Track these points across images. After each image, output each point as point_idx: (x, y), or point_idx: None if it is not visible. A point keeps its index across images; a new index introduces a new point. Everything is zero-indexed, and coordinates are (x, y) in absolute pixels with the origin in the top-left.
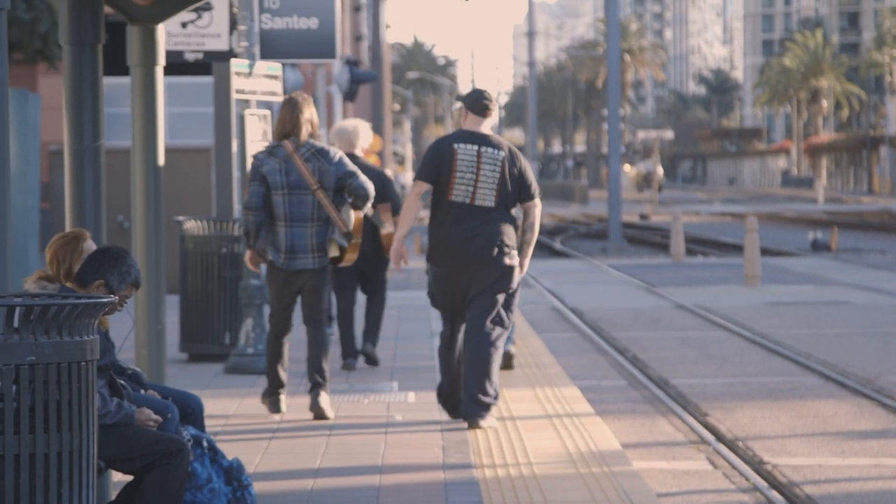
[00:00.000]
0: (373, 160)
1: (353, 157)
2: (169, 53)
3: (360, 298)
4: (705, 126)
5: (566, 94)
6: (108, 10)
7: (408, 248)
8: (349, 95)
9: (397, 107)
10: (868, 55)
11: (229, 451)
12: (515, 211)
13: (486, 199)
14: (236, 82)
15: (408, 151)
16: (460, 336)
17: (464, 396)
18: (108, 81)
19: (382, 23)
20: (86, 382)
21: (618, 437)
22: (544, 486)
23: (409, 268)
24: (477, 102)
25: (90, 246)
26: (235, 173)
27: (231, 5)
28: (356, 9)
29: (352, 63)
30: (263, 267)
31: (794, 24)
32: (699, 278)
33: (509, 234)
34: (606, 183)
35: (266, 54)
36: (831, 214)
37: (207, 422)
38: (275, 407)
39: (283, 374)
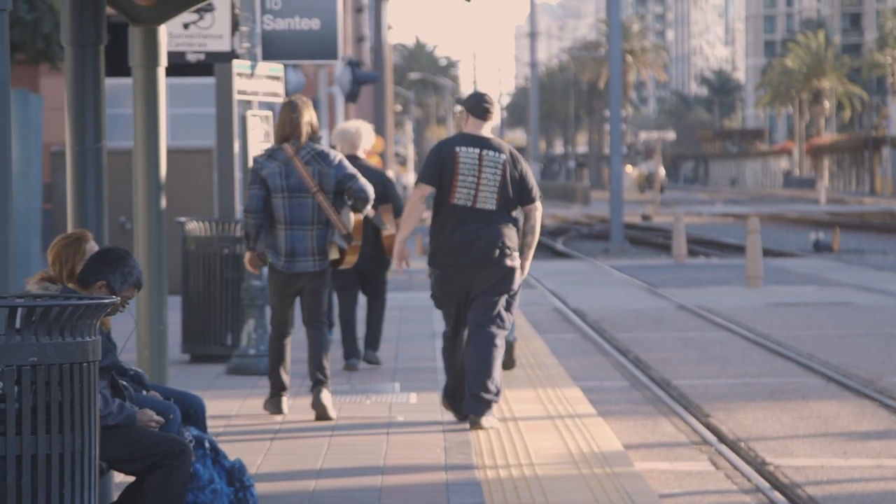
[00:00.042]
0: (374, 161)
1: (354, 158)
2: (171, 54)
3: (361, 299)
4: (707, 127)
5: (568, 94)
6: (109, 10)
7: (409, 249)
8: (351, 96)
9: (399, 108)
10: (870, 56)
11: (231, 451)
12: (516, 213)
13: (488, 202)
14: (238, 83)
15: (410, 152)
16: (464, 337)
17: (465, 394)
18: (110, 82)
19: (384, 24)
20: (88, 383)
21: (620, 438)
22: (546, 486)
23: (410, 269)
24: (477, 105)
25: (92, 247)
26: (237, 174)
27: (233, 6)
28: (358, 10)
29: (354, 64)
30: (264, 268)
31: (796, 25)
32: (701, 279)
33: (511, 237)
34: (608, 184)
35: (268, 55)
36: (833, 215)
37: (209, 423)
38: (276, 408)
39: (285, 377)
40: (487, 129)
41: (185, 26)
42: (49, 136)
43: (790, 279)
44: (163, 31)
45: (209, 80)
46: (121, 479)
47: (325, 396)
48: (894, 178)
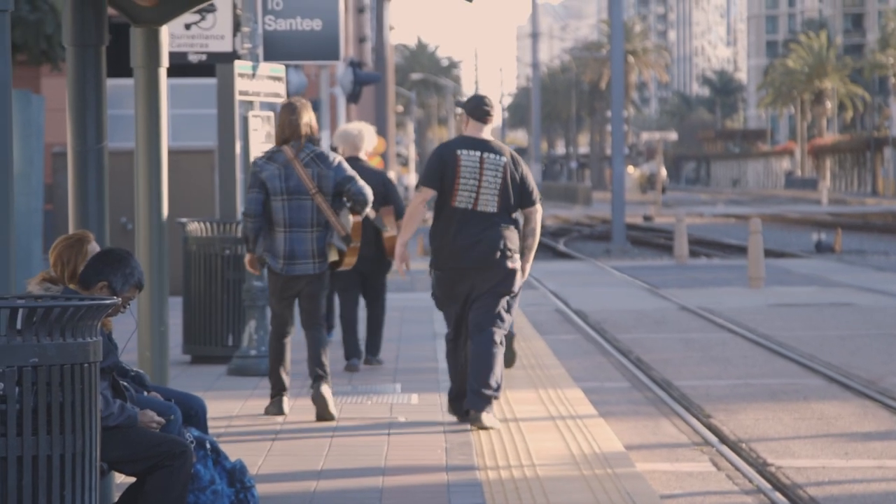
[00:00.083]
0: (376, 162)
1: (356, 160)
2: (172, 55)
3: (362, 300)
4: (709, 127)
5: (570, 95)
6: (111, 11)
7: (410, 249)
8: (353, 97)
9: (400, 108)
10: (872, 56)
11: (232, 452)
12: (516, 215)
13: (489, 204)
14: (240, 84)
15: (411, 153)
16: (465, 339)
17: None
18: (112, 83)
19: (386, 24)
20: (89, 384)
21: (621, 439)
22: (547, 487)
23: (411, 270)
24: (477, 108)
25: (94, 248)
26: (239, 175)
27: (235, 7)
28: (360, 10)
29: (355, 65)
30: (265, 269)
31: (798, 26)
32: (703, 280)
33: (512, 239)
34: (610, 184)
35: (269, 56)
36: (835, 216)
37: (210, 423)
38: (277, 408)
39: (285, 377)
40: (488, 132)
41: (187, 27)
42: (50, 136)
43: (792, 280)
44: (164, 31)
45: (211, 81)
46: (122, 479)
47: (326, 390)
48: None
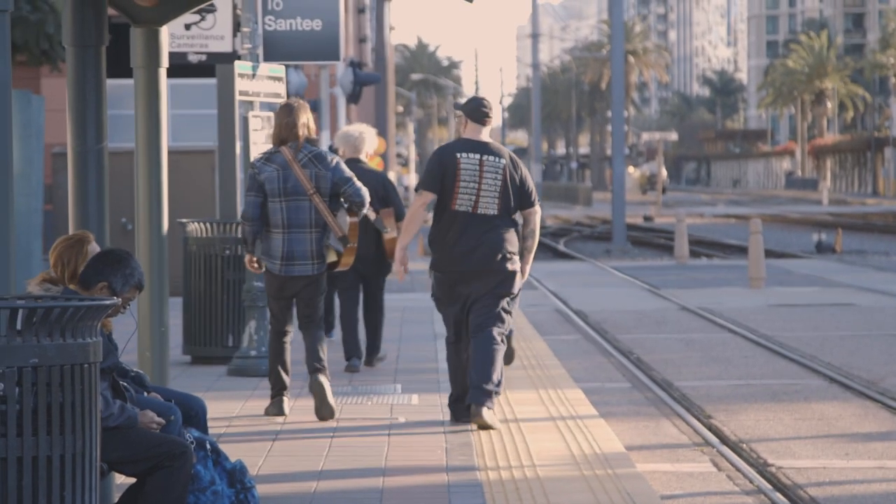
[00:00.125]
0: (376, 163)
1: (357, 161)
2: (172, 55)
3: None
4: (709, 128)
5: (570, 95)
6: (111, 11)
7: (411, 250)
8: (353, 97)
9: (401, 108)
10: (873, 56)
11: (232, 453)
12: (516, 216)
13: (489, 207)
14: (240, 84)
15: (411, 153)
16: (465, 342)
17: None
18: (112, 83)
19: (386, 24)
20: (89, 385)
21: (621, 440)
22: (548, 488)
23: (411, 270)
24: (476, 110)
25: (94, 248)
26: (239, 175)
27: (235, 7)
28: (360, 10)
29: (355, 65)
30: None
31: (799, 26)
32: (703, 280)
33: (512, 242)
34: (610, 185)
35: (269, 56)
36: (836, 216)
37: (210, 424)
38: (278, 409)
39: (285, 377)
40: (487, 134)
41: (187, 27)
42: (50, 137)
43: (792, 280)
44: (164, 31)
45: (211, 81)
46: (122, 480)
47: (324, 380)
48: None
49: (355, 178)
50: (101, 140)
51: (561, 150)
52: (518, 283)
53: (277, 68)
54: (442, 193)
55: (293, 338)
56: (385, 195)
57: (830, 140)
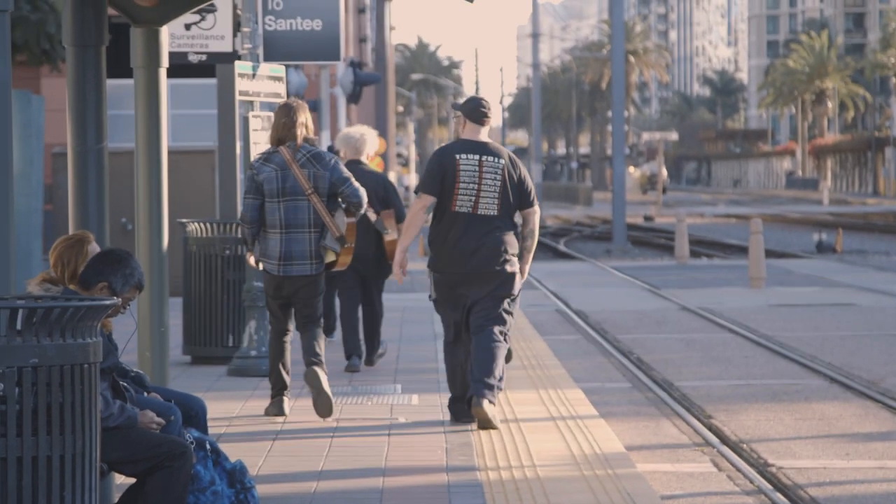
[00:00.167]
0: (376, 163)
1: (358, 163)
2: (172, 55)
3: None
4: (710, 127)
5: (570, 95)
6: (111, 11)
7: (412, 250)
8: (353, 97)
9: (401, 108)
10: (873, 56)
11: (232, 453)
12: (516, 216)
13: (489, 208)
14: (240, 84)
15: (412, 153)
16: (465, 343)
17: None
18: (112, 83)
19: (387, 24)
20: (88, 385)
21: (622, 440)
22: (548, 488)
23: (411, 270)
24: (475, 111)
25: (94, 248)
26: (239, 175)
27: (235, 7)
28: (360, 10)
29: (356, 65)
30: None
31: (799, 26)
32: (703, 280)
33: (512, 243)
34: (611, 185)
35: (270, 56)
36: (836, 216)
37: (210, 424)
38: (278, 409)
39: (285, 376)
40: (485, 134)
41: (187, 27)
42: (50, 137)
43: (793, 280)
44: (164, 31)
45: (211, 81)
46: (122, 480)
47: (320, 371)
48: None
49: (353, 179)
50: (101, 140)
51: (561, 150)
52: (518, 284)
53: (278, 68)
54: (442, 195)
55: (293, 338)
56: (386, 197)
57: (831, 140)
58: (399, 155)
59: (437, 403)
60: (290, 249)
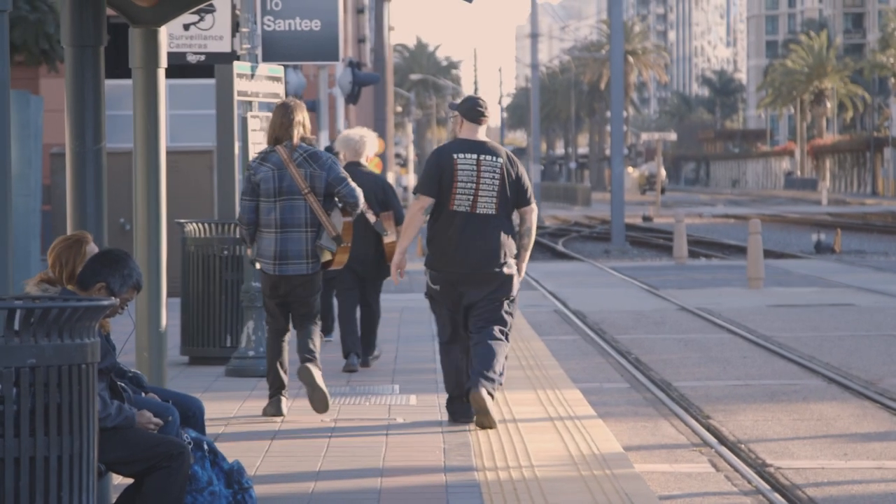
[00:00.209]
0: (374, 163)
1: (357, 165)
2: (171, 55)
3: None
4: (709, 128)
5: (569, 95)
6: (109, 11)
7: (410, 250)
8: (351, 98)
9: (399, 109)
10: (872, 57)
11: (230, 453)
12: (514, 215)
13: (487, 206)
14: (238, 84)
15: (410, 154)
16: (460, 344)
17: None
18: (110, 83)
19: (385, 25)
20: (86, 385)
21: (619, 440)
22: (546, 488)
23: (410, 271)
24: (472, 110)
25: (92, 249)
26: (237, 176)
27: (233, 7)
28: (359, 11)
29: (354, 65)
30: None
31: (798, 26)
32: (702, 280)
33: (509, 245)
34: (609, 185)
35: (268, 56)
36: (835, 216)
37: (208, 425)
38: (275, 409)
39: (283, 376)
40: (483, 133)
41: (186, 27)
42: (49, 137)
43: (791, 280)
44: (163, 32)
45: (209, 82)
46: (119, 480)
47: (312, 367)
48: None
49: (349, 178)
50: (100, 140)
51: (560, 150)
52: (516, 285)
53: (276, 69)
54: (440, 194)
55: (290, 337)
56: (384, 199)
57: (830, 140)
58: (397, 155)
59: (435, 404)
60: (285, 249)
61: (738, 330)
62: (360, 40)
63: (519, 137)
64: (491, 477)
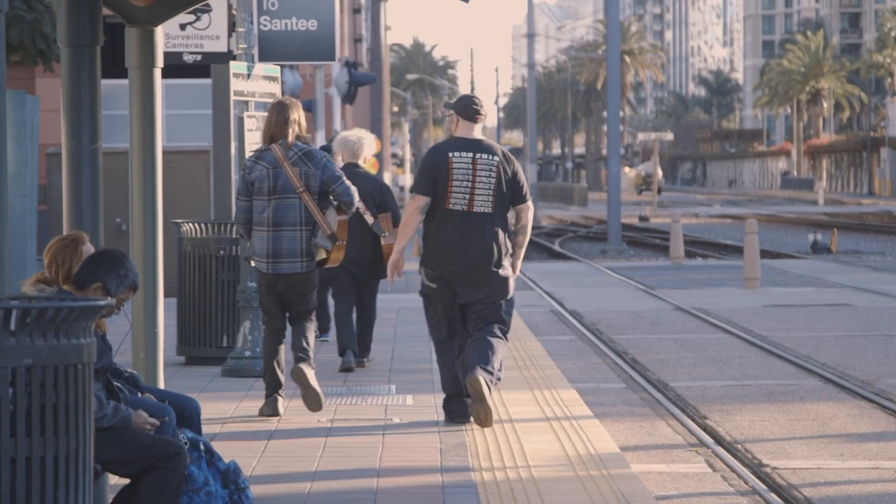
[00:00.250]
0: (371, 163)
1: (355, 166)
2: (167, 55)
3: None
4: (705, 128)
5: (566, 95)
6: (106, 11)
7: (407, 250)
8: (348, 98)
9: (396, 108)
10: (869, 56)
11: (226, 453)
12: (509, 214)
13: (484, 205)
14: (235, 84)
15: (406, 154)
16: (456, 344)
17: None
18: (107, 83)
19: (382, 24)
20: (83, 385)
21: (616, 440)
22: (542, 488)
23: (405, 270)
24: (467, 108)
25: (89, 249)
26: (234, 176)
27: (230, 7)
28: (355, 10)
29: (351, 65)
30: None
31: (795, 26)
32: (698, 280)
33: (506, 244)
34: (606, 185)
35: (265, 56)
36: (831, 216)
37: (204, 425)
38: (272, 409)
39: (280, 375)
40: (479, 131)
41: (182, 27)
42: (45, 137)
43: (788, 280)
44: (159, 31)
45: (206, 82)
46: (115, 481)
47: (306, 368)
48: (892, 179)
49: (344, 177)
50: (96, 140)
51: (556, 150)
52: (511, 285)
53: (273, 68)
54: (436, 193)
55: (287, 337)
56: (382, 200)
57: (826, 140)
58: (394, 155)
59: (432, 404)
60: (277, 247)
61: (735, 330)
62: (357, 40)
63: (515, 137)
64: (487, 477)
